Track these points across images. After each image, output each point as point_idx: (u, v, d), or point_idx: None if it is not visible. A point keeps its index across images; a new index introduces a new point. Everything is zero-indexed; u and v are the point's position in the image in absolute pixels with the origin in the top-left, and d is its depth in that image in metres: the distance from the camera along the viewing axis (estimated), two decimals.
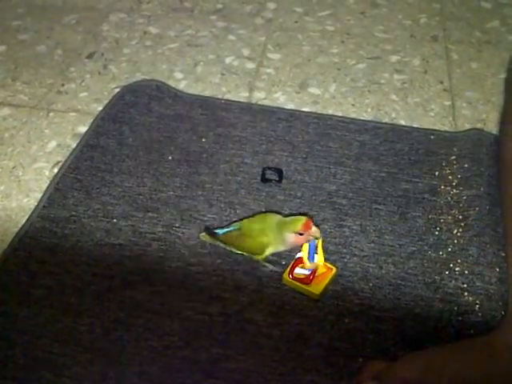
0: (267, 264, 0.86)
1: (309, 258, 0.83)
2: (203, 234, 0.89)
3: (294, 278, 0.83)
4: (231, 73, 1.26)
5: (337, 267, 0.85)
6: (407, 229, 0.92)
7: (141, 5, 1.48)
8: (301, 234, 0.81)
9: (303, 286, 0.83)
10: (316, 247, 0.83)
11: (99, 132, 1.09)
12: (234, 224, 0.87)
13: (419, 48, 1.33)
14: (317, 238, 0.82)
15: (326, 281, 0.83)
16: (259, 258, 0.85)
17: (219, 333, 0.79)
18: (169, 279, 0.85)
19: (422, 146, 1.06)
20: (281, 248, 0.84)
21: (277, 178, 0.99)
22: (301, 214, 0.87)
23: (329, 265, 0.85)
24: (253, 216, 0.89)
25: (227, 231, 0.86)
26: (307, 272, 0.83)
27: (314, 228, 0.80)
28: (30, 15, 1.43)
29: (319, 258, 0.84)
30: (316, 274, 0.83)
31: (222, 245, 0.87)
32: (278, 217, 0.85)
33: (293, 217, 0.83)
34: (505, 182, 0.87)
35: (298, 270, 0.84)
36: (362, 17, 1.43)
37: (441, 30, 1.38)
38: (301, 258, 0.85)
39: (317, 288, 0.82)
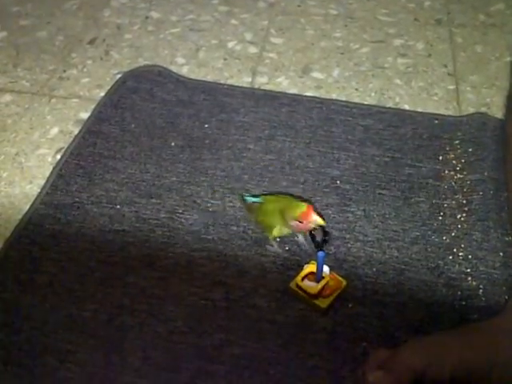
0: (274, 243, 0.86)
1: (317, 271, 0.80)
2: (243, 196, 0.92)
3: (301, 289, 0.80)
4: (234, 58, 1.25)
5: (346, 279, 0.82)
6: (411, 214, 0.92)
7: None
8: (300, 222, 0.79)
9: (309, 299, 0.80)
10: (324, 259, 0.78)
11: (101, 118, 1.09)
12: (261, 197, 0.89)
13: (423, 31, 1.32)
14: (320, 226, 0.80)
15: (335, 295, 0.80)
16: (273, 234, 0.85)
17: (222, 318, 0.79)
18: (172, 265, 0.85)
19: (426, 131, 1.06)
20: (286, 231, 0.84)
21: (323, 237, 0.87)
22: (306, 200, 0.87)
23: (339, 277, 0.82)
24: (275, 195, 0.90)
25: (253, 201, 0.88)
26: (315, 284, 0.80)
27: (314, 217, 0.78)
28: (30, 1, 1.42)
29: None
30: (324, 286, 0.80)
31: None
32: (287, 200, 0.86)
33: (295, 202, 0.82)
34: (510, 160, 0.86)
35: (306, 282, 0.81)
36: (365, 0, 1.42)
37: (445, 13, 1.37)
38: (310, 270, 0.82)
39: (324, 302, 0.79)
